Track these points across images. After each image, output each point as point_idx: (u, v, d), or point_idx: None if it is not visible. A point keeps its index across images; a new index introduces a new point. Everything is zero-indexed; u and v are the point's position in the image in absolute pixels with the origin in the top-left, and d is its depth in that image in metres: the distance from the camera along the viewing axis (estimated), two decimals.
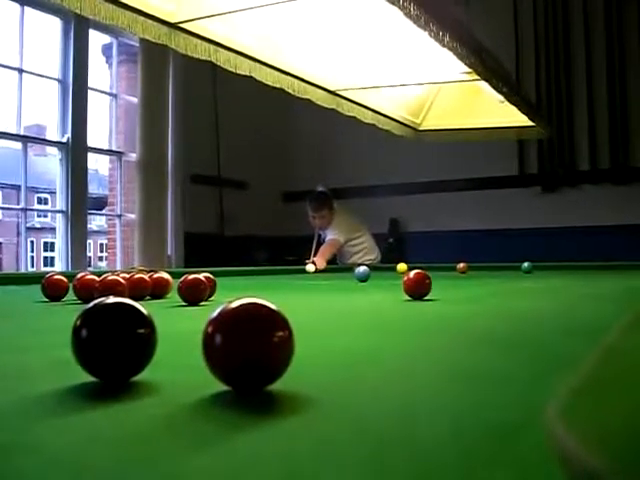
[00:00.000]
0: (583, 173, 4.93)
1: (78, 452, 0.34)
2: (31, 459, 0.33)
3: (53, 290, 1.50)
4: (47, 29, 4.99)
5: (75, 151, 4.38)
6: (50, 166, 10.24)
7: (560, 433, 0.20)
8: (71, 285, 1.47)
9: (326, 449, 0.35)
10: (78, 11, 1.90)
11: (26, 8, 4.17)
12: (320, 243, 4.28)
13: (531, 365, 0.63)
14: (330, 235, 4.24)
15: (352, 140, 5.55)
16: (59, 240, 4.46)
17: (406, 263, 3.43)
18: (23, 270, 4.61)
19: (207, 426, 0.40)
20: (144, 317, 0.53)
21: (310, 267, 3.61)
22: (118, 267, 4.80)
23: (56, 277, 1.53)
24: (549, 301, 1.64)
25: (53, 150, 4.58)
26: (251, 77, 2.57)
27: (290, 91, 2.82)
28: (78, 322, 0.51)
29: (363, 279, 2.45)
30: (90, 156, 4.61)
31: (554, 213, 4.99)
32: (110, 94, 4.97)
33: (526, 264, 3.23)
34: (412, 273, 1.48)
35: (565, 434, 0.19)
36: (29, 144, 4.52)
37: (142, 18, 2.11)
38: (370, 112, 3.44)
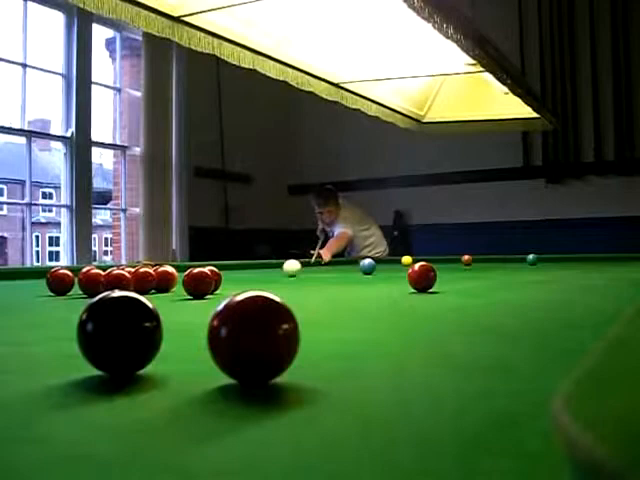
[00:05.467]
0: (588, 165, 4.91)
1: (84, 444, 0.34)
2: (37, 451, 0.33)
3: (58, 284, 1.51)
4: (50, 24, 4.98)
5: (79, 145, 4.38)
6: (54, 161, 10.26)
7: (566, 423, 0.20)
8: (76, 279, 1.48)
9: (331, 441, 0.35)
10: (81, 5, 1.89)
11: (29, 3, 4.17)
12: (327, 238, 4.27)
13: (535, 356, 0.63)
14: (338, 229, 4.23)
15: (356, 133, 5.54)
16: (64, 234, 4.47)
17: (411, 255, 3.43)
18: (28, 265, 4.61)
19: (213, 419, 0.40)
20: (150, 311, 0.53)
21: (293, 264, 2.63)
22: (123, 261, 4.81)
23: (61, 271, 1.54)
24: (553, 293, 1.64)
25: (57, 145, 4.59)
26: (254, 70, 2.57)
27: (294, 84, 2.81)
28: (84, 316, 0.52)
29: (368, 272, 2.45)
30: (94, 150, 4.61)
31: (559, 205, 4.98)
32: (114, 88, 4.97)
33: (531, 256, 3.23)
34: (417, 266, 1.48)
35: (571, 424, 0.19)
36: (33, 139, 4.52)
37: (145, 12, 2.10)
38: (374, 104, 3.43)
